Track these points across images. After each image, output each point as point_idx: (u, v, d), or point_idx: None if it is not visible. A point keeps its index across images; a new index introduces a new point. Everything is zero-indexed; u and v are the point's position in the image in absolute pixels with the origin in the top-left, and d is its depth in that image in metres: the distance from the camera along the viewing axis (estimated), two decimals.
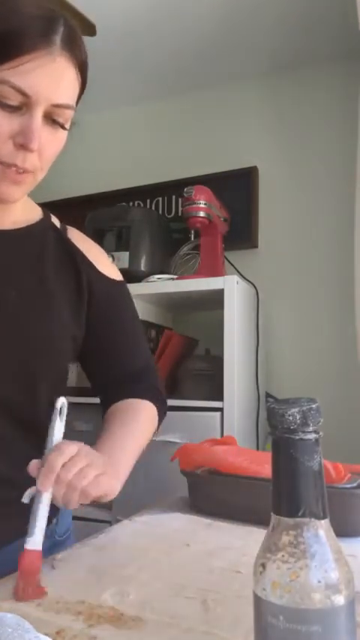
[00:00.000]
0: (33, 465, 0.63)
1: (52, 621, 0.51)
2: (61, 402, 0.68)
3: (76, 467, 0.62)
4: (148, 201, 2.43)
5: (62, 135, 0.71)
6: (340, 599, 0.35)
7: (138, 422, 0.81)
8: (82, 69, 0.70)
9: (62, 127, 0.70)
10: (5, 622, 0.43)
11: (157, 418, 0.87)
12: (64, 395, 0.83)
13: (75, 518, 0.90)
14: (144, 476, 1.73)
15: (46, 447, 0.65)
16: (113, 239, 2.03)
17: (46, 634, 0.44)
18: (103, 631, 0.50)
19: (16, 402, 0.73)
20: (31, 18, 0.64)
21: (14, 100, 0.63)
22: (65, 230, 0.85)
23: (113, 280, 0.87)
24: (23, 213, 0.81)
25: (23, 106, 0.64)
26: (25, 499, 0.62)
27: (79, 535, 0.82)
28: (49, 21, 0.65)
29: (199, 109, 2.39)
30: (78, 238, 0.86)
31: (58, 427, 0.67)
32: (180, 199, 2.15)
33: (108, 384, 0.88)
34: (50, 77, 0.65)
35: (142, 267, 2.03)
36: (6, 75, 0.62)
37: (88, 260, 0.84)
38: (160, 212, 2.39)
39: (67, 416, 0.85)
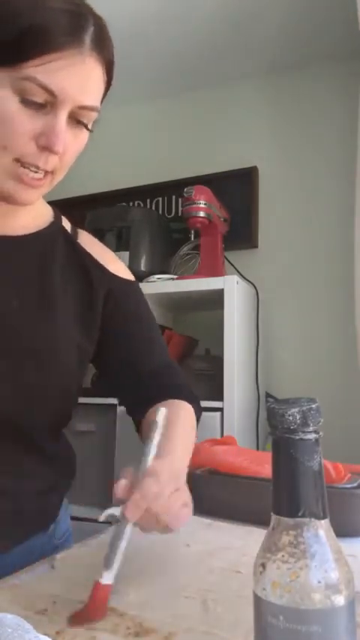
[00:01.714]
0: (122, 486, 0.56)
1: (51, 622, 0.51)
2: (164, 415, 0.61)
3: (165, 495, 0.56)
4: (148, 201, 2.43)
5: (85, 136, 0.68)
6: (340, 600, 0.35)
7: (185, 428, 0.74)
8: (109, 69, 0.68)
9: (86, 127, 0.67)
10: (5, 622, 0.42)
11: (195, 420, 0.81)
12: (72, 407, 0.80)
13: (75, 518, 0.90)
14: None
15: (141, 464, 0.59)
16: (113, 239, 2.03)
17: (46, 634, 0.44)
18: (103, 632, 0.50)
19: (14, 414, 0.70)
20: (62, 13, 0.61)
21: (40, 97, 0.61)
22: (76, 234, 0.83)
23: (127, 280, 0.85)
24: (34, 217, 0.77)
25: (48, 104, 0.62)
26: (102, 518, 0.56)
27: (79, 535, 0.81)
28: (80, 18, 0.62)
29: (199, 109, 2.39)
30: (88, 242, 0.83)
31: (156, 444, 0.60)
32: (180, 199, 2.15)
33: (131, 384, 0.83)
34: (78, 77, 0.62)
35: (142, 267, 2.03)
36: (33, 72, 0.59)
37: (99, 263, 0.81)
38: (160, 212, 2.39)
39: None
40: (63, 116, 0.63)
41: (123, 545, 0.55)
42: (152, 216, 2.21)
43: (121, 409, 1.87)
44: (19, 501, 0.71)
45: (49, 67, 0.60)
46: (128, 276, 0.86)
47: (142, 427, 0.77)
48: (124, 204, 2.42)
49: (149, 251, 2.07)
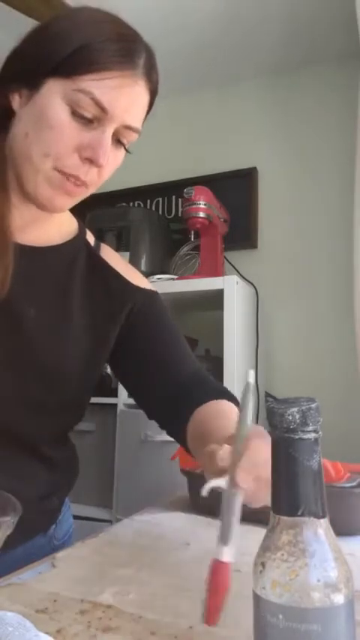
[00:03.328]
0: (226, 453, 0.52)
1: (52, 620, 0.52)
2: (253, 375, 0.53)
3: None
4: (148, 201, 2.43)
5: (122, 156, 0.71)
6: (339, 598, 0.35)
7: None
8: (152, 98, 0.71)
9: (125, 147, 0.70)
10: (6, 621, 0.43)
11: None
12: (79, 416, 0.79)
13: (75, 517, 0.90)
14: (144, 475, 1.73)
15: (237, 432, 0.52)
16: (113, 239, 2.03)
17: (47, 633, 0.44)
18: (103, 631, 0.50)
19: (17, 425, 0.70)
20: (121, 36, 0.65)
21: (90, 112, 0.63)
22: (99, 247, 0.83)
23: (149, 292, 0.85)
24: (60, 228, 0.78)
25: (96, 120, 0.64)
26: (204, 492, 0.51)
27: (80, 534, 0.82)
28: (136, 43, 0.66)
29: (200, 109, 2.39)
30: (111, 256, 0.83)
31: (251, 409, 0.53)
32: (180, 199, 2.15)
33: (161, 398, 0.80)
34: (129, 98, 0.65)
35: (142, 268, 2.03)
36: (89, 85, 0.62)
37: (122, 276, 0.81)
38: (160, 212, 2.39)
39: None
40: (110, 132, 0.65)
41: (237, 517, 0.50)
42: (152, 216, 2.21)
43: (121, 409, 1.87)
44: (23, 504, 0.71)
45: (104, 83, 0.63)
46: (148, 286, 0.86)
47: (189, 435, 0.73)
48: (124, 204, 2.42)
49: (149, 251, 2.08)
